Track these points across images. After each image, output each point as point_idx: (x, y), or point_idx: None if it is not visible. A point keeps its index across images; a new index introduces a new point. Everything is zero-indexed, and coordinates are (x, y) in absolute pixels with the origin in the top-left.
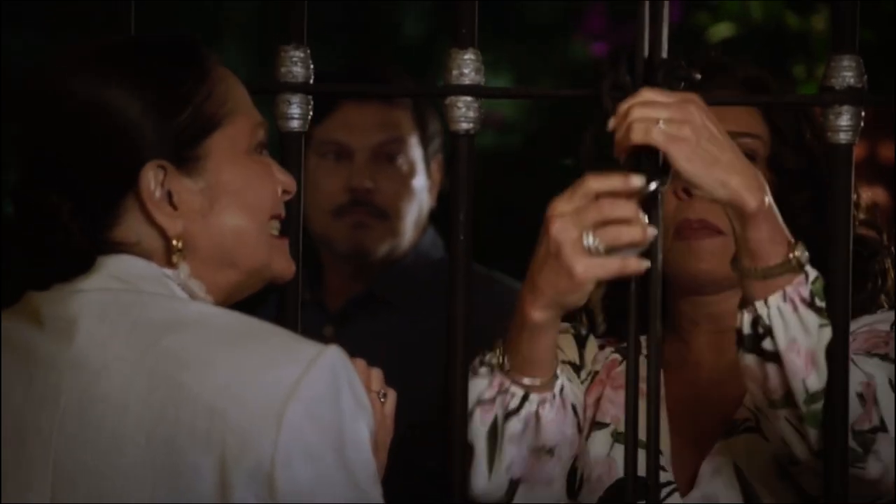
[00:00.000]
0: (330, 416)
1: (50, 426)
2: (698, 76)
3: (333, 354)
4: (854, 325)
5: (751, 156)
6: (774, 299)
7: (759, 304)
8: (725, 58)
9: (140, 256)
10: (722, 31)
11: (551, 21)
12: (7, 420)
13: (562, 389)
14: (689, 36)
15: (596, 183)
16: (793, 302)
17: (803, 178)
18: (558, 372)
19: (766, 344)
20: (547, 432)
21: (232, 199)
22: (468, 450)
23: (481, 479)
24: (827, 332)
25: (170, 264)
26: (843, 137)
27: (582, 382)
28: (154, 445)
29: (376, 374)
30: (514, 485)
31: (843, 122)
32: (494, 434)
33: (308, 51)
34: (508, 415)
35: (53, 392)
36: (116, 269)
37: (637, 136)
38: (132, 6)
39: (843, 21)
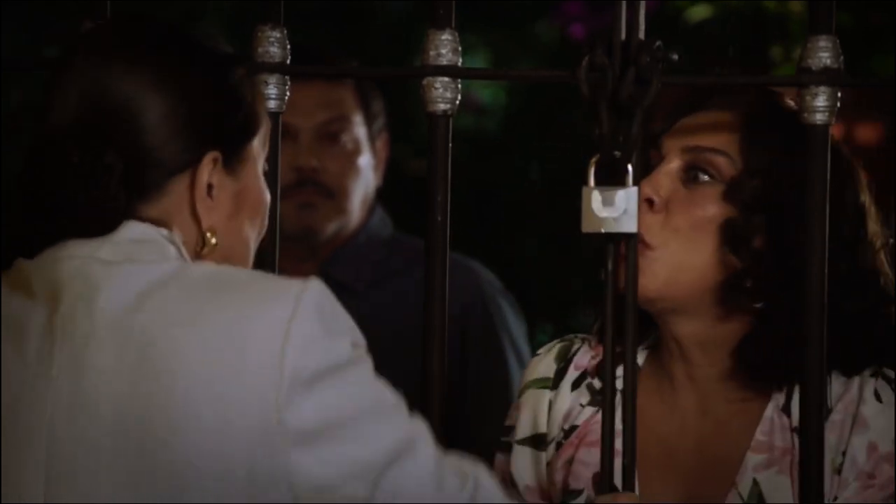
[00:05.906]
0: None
1: (44, 397)
2: (675, 57)
3: (315, 288)
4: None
5: (711, 170)
6: None
7: None
8: None
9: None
10: (699, 12)
11: (528, 4)
12: (4, 394)
13: None
14: (667, 18)
15: None
16: None
17: (760, 206)
18: None
19: None
20: None
21: (251, 210)
22: None
23: None
24: None
25: (197, 256)
26: (820, 118)
27: (546, 449)
28: (131, 419)
29: None
30: None
31: (820, 102)
32: None
33: (285, 31)
34: None
35: (46, 362)
36: (114, 234)
37: None
38: None
39: (819, 2)
